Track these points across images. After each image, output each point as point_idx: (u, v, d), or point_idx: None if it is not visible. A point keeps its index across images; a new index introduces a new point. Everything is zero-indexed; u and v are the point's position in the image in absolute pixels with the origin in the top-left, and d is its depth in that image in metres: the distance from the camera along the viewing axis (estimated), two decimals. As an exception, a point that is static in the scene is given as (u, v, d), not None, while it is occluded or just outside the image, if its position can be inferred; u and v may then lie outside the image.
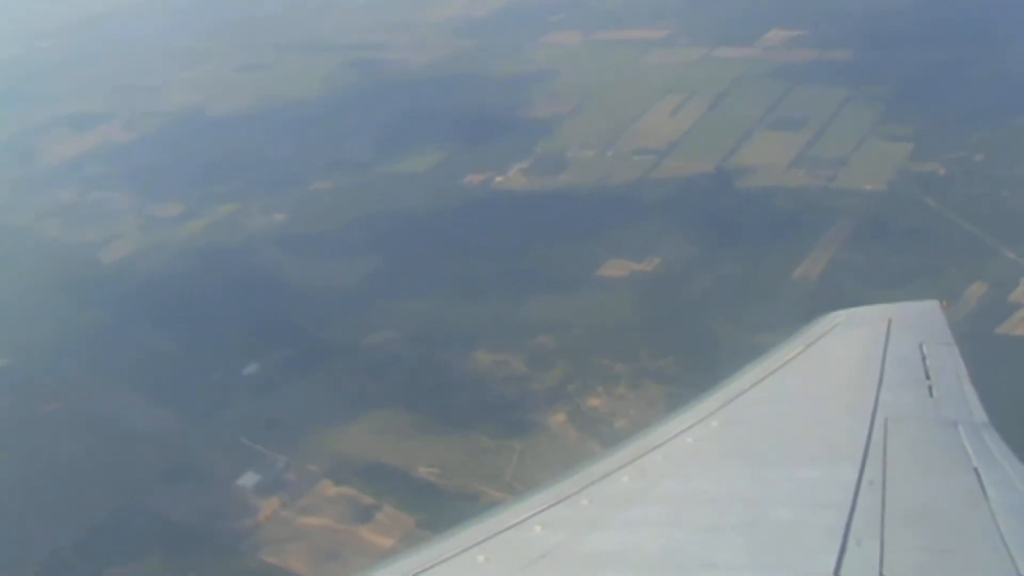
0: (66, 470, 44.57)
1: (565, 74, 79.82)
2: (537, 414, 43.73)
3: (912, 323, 15.39)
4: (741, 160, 61.95)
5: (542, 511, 8.93)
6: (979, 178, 55.55)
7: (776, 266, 51.18)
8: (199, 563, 38.70)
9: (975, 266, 48.41)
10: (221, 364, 50.86)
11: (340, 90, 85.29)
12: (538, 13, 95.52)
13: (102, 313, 57.03)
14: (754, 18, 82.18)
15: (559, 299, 51.06)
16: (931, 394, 12.10)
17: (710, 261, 52.58)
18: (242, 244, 62.55)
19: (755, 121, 66.21)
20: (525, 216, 60.19)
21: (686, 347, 45.98)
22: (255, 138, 78.15)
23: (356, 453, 43.04)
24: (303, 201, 66.87)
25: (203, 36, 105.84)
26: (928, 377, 12.63)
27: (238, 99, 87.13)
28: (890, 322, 15.01)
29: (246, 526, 40.33)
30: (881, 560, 6.79)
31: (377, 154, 71.93)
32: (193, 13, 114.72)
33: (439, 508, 38.14)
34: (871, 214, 54.11)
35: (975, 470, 9.26)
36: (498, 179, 65.42)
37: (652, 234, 55.30)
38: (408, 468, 41.54)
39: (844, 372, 13.90)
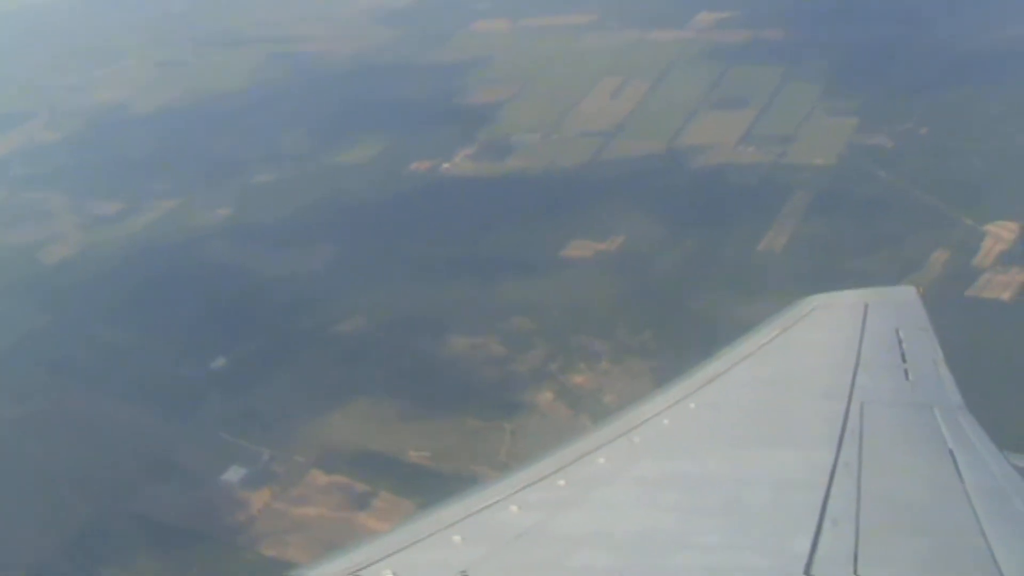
0: (38, 475, 43.37)
1: (499, 61, 79.71)
2: (523, 394, 43.84)
3: (888, 308, 15.70)
4: (689, 139, 62.65)
5: (518, 491, 8.94)
6: (927, 149, 57.13)
7: (740, 240, 51.99)
8: (196, 561, 37.90)
9: (935, 234, 49.79)
10: (187, 360, 49.89)
11: (267, 83, 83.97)
12: (461, 1, 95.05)
13: (51, 315, 55.41)
14: (682, 1, 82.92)
15: (526, 281, 51.13)
16: (907, 377, 12.38)
17: (673, 238, 53.16)
18: (190, 239, 61.24)
19: (698, 101, 67.00)
20: (478, 201, 60.11)
21: (663, 321, 46.54)
22: (187, 134, 76.71)
23: (343, 442, 42.61)
24: (247, 194, 65.75)
25: (115, 33, 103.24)
26: (904, 361, 12.93)
27: (162, 95, 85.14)
28: (866, 306, 15.28)
29: (239, 521, 39.65)
30: (856, 541, 6.89)
31: (317, 145, 71.10)
32: (101, 11, 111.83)
33: (436, 491, 37.76)
34: (826, 187, 55.24)
35: (950, 452, 9.44)
36: (445, 166, 65.20)
37: (611, 214, 55.62)
38: (399, 454, 41.30)
39: (821, 356, 14.10)
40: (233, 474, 42.07)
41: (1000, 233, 49.16)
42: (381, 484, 39.79)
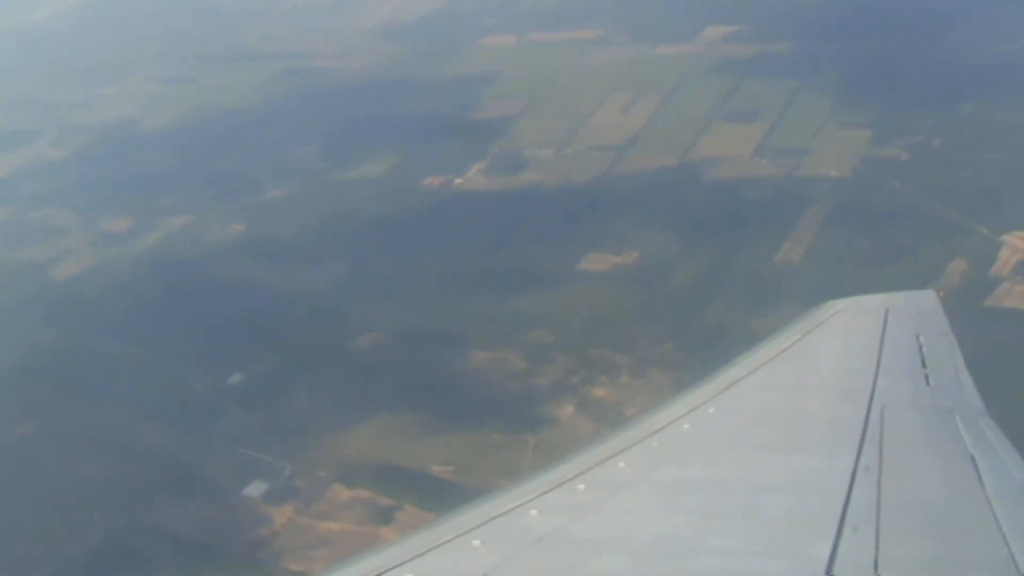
0: (56, 491, 42.94)
1: (508, 76, 79.67)
2: (545, 408, 43.78)
3: (909, 312, 15.69)
4: (702, 153, 62.70)
5: (538, 496, 8.89)
6: (941, 161, 57.29)
7: (756, 252, 52.03)
8: (219, 576, 37.71)
9: (952, 244, 49.94)
10: (204, 375, 49.72)
11: (276, 99, 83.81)
12: (467, 18, 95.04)
13: (64, 331, 55.16)
14: (689, 15, 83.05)
15: (544, 295, 51.10)
16: (928, 383, 12.33)
17: (690, 251, 53.19)
18: (204, 255, 61.13)
19: (709, 115, 67.05)
20: (492, 215, 60.07)
21: (683, 334, 46.50)
22: (197, 150, 76.44)
23: (364, 456, 42.51)
24: (260, 210, 65.65)
25: (121, 51, 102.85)
26: (925, 366, 12.87)
27: (170, 112, 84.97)
28: (887, 311, 15.28)
29: (262, 535, 39.51)
30: (877, 547, 6.85)
31: (328, 161, 71.03)
32: (105, 28, 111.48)
33: (461, 505, 37.75)
34: (842, 199, 55.38)
35: (971, 458, 9.39)
36: (458, 180, 65.14)
37: (627, 227, 55.63)
38: (421, 468, 41.24)
39: (841, 360, 14.15)
40: (255, 489, 41.90)
41: (1017, 243, 49.32)
42: (405, 498, 39.65)
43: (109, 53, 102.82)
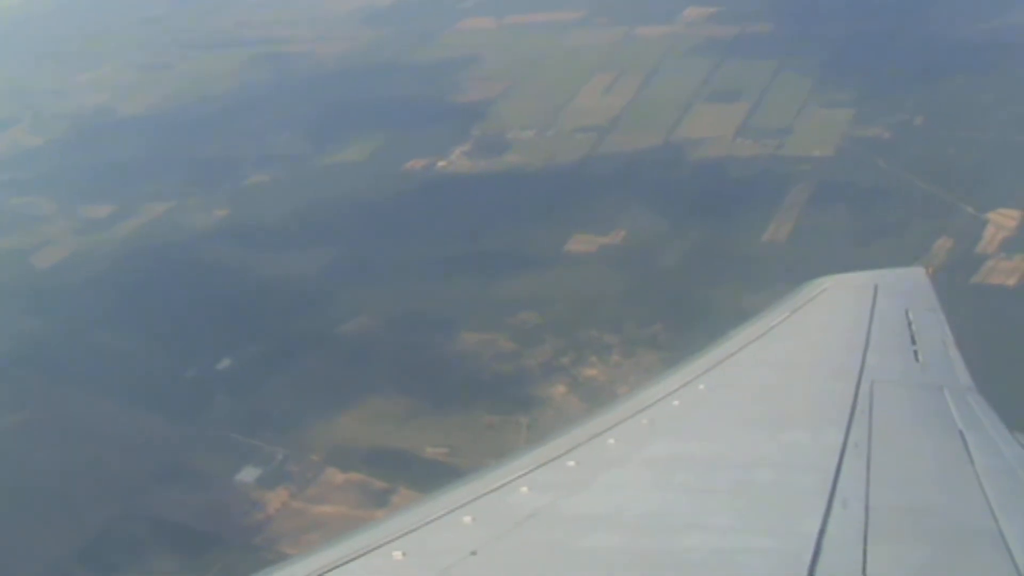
0: (47, 481, 42.53)
1: (487, 58, 79.49)
2: (536, 388, 43.83)
3: (898, 289, 16.00)
4: (686, 133, 62.76)
5: (528, 472, 8.95)
6: (924, 139, 57.52)
7: (743, 231, 52.12)
8: (215, 562, 37.46)
9: (938, 222, 50.22)
10: (191, 362, 49.53)
11: (254, 85, 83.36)
12: (445, 1, 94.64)
13: (48, 320, 54.84)
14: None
15: (531, 276, 51.10)
16: (917, 358, 12.48)
17: (676, 230, 53.26)
18: (187, 241, 60.79)
19: (691, 95, 67.10)
20: (477, 198, 59.97)
21: (672, 313, 46.56)
22: (176, 136, 75.90)
23: (357, 440, 42.42)
24: (242, 195, 65.36)
25: (95, 37, 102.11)
26: (914, 342, 13.04)
27: (148, 98, 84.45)
28: (876, 288, 15.54)
29: (257, 520, 39.36)
30: (866, 522, 6.87)
31: (309, 146, 70.72)
32: (79, 15, 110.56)
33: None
34: (826, 178, 55.55)
35: (960, 433, 9.50)
36: (441, 163, 64.98)
37: (612, 208, 55.67)
38: (415, 450, 41.14)
39: (831, 337, 14.33)
40: (247, 474, 41.76)
41: (1002, 221, 49.61)
42: (399, 481, 39.55)
43: (84, 40, 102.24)
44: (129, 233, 63.15)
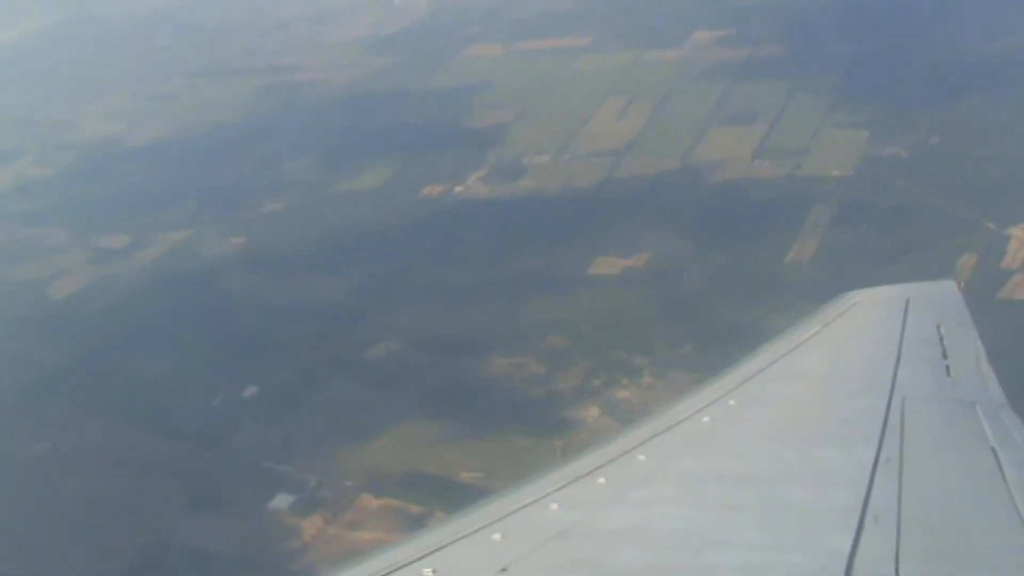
0: (76, 510, 42.17)
1: (498, 84, 79.73)
2: (569, 411, 43.70)
3: (930, 303, 15.92)
4: (702, 156, 62.95)
5: (559, 489, 8.99)
6: (941, 158, 57.84)
7: (766, 253, 52.23)
8: (252, 590, 37.22)
9: (961, 239, 50.36)
10: (216, 390, 49.17)
11: (264, 113, 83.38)
12: (450, 28, 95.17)
13: (68, 351, 54.29)
14: (676, 21, 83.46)
15: (557, 299, 51.07)
16: (949, 374, 12.41)
17: (699, 252, 53.30)
18: (206, 269, 60.64)
19: (706, 118, 67.35)
20: (496, 222, 59.97)
21: (700, 335, 46.44)
22: (187, 165, 75.79)
23: (390, 466, 42.15)
24: (259, 223, 65.21)
25: (100, 69, 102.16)
26: (946, 357, 12.97)
27: (157, 128, 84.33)
28: (908, 302, 15.51)
29: (293, 548, 39.04)
30: (898, 540, 6.84)
31: (323, 173, 70.70)
32: (82, 47, 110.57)
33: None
34: (846, 198, 55.77)
35: (992, 450, 9.41)
36: (458, 189, 65.03)
37: (633, 231, 55.68)
38: (449, 475, 40.93)
39: (862, 351, 14.29)
40: (281, 501, 41.45)
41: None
42: (435, 505, 39.20)
43: (88, 71, 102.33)
44: (146, 263, 62.92)
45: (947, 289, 18.02)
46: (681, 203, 57.90)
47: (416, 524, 38.60)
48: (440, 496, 39.58)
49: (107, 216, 69.83)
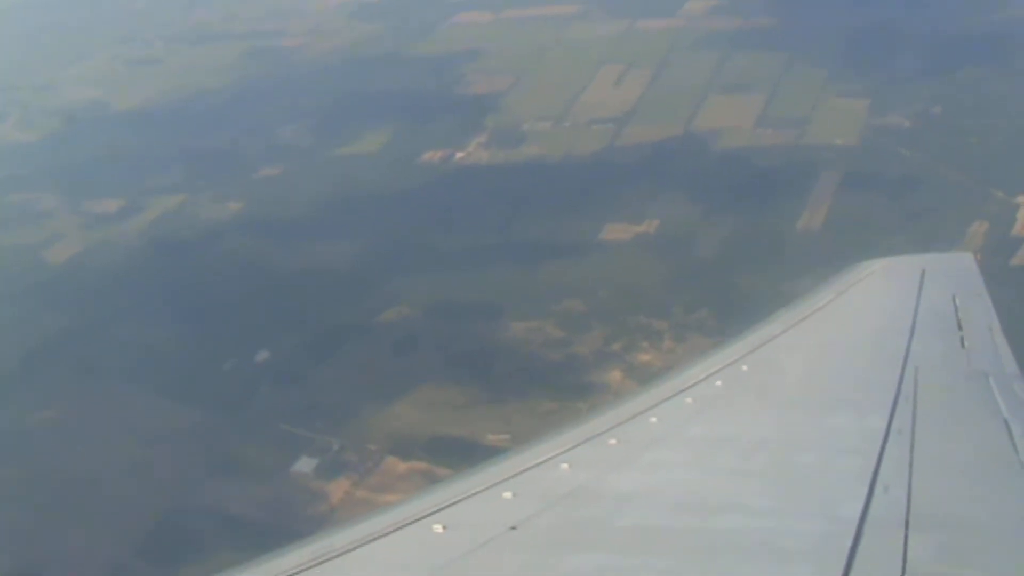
0: (96, 479, 41.49)
1: (490, 51, 79.03)
2: (591, 375, 43.76)
3: (945, 274, 16.17)
4: (704, 124, 62.90)
5: (570, 449, 9.07)
6: (944, 128, 58.20)
7: (777, 219, 52.43)
8: (286, 553, 36.75)
9: (969, 207, 50.78)
10: (227, 354, 48.72)
11: (249, 79, 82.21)
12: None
13: (71, 316, 53.57)
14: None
15: (570, 265, 51.05)
16: (963, 345, 12.54)
17: (710, 219, 53.40)
18: (204, 234, 59.85)
19: (704, 87, 67.21)
20: (500, 189, 59.70)
21: (718, 300, 46.68)
22: (176, 130, 74.59)
23: (414, 429, 41.96)
24: (255, 188, 64.46)
25: (78, 32, 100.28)
26: (960, 328, 13.12)
27: (141, 93, 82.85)
28: (923, 272, 15.75)
29: (320, 511, 38.82)
30: (908, 508, 6.85)
31: (318, 138, 69.97)
32: (59, 11, 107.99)
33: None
34: (852, 166, 55.96)
35: (1005, 421, 9.45)
36: (459, 155, 64.60)
37: (642, 198, 55.71)
38: (476, 438, 40.73)
39: (876, 320, 14.60)
40: (304, 465, 41.23)
41: (1032, 205, 50.24)
42: (463, 468, 38.98)
43: (65, 35, 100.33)
44: (142, 227, 62.08)
45: (964, 260, 18.16)
46: (687, 170, 57.82)
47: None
48: (468, 458, 39.15)
49: (97, 181, 68.56)
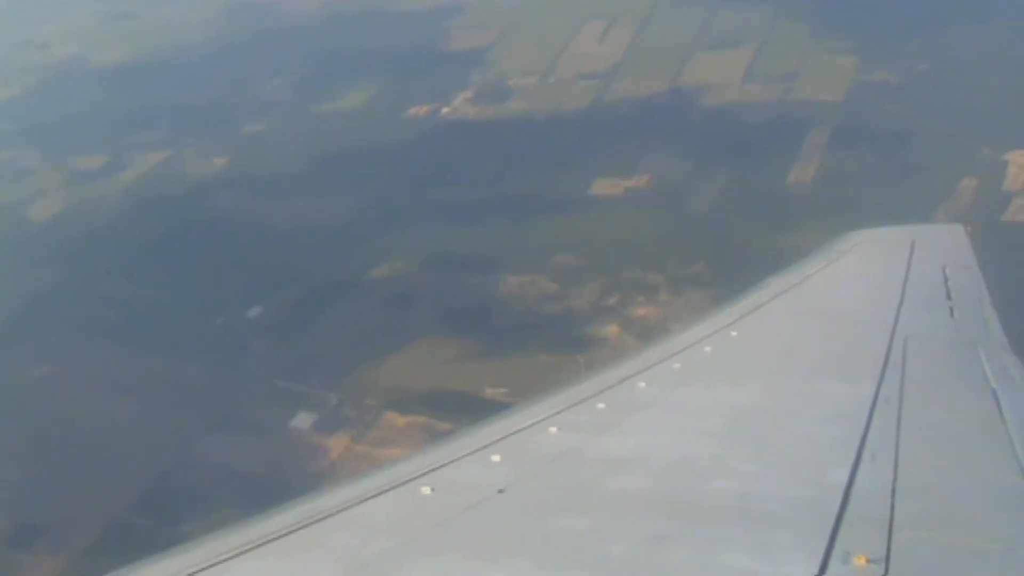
0: (90, 436, 41.18)
1: (473, 6, 78.20)
2: (588, 328, 43.92)
3: (936, 245, 16.40)
4: (691, 79, 62.79)
5: (558, 413, 9.19)
6: (931, 84, 58.35)
7: (768, 174, 52.62)
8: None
9: (959, 163, 51.16)
10: (218, 310, 48.56)
11: (232, 35, 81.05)
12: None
13: (59, 272, 52.95)
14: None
15: (561, 219, 51.04)
16: (952, 315, 12.78)
17: (701, 174, 53.49)
18: (190, 190, 59.42)
19: (689, 43, 66.93)
20: (489, 144, 59.50)
21: (712, 253, 46.89)
22: (157, 86, 73.58)
23: (411, 383, 42.01)
24: (241, 143, 63.98)
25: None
26: (950, 298, 13.38)
27: (120, 49, 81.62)
28: (913, 243, 15.97)
29: (321, 466, 38.88)
30: (895, 475, 6.97)
31: (302, 94, 69.37)
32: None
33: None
34: (840, 122, 56.07)
35: (993, 391, 9.63)
36: (444, 110, 64.32)
37: (631, 152, 55.68)
38: (474, 391, 40.77)
39: (865, 290, 14.75)
40: (302, 420, 41.20)
41: (1021, 161, 50.50)
42: (464, 421, 38.88)
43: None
44: (127, 183, 61.50)
45: (954, 232, 18.26)
46: (676, 125, 57.80)
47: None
48: (468, 412, 39.09)
49: (79, 137, 67.78)
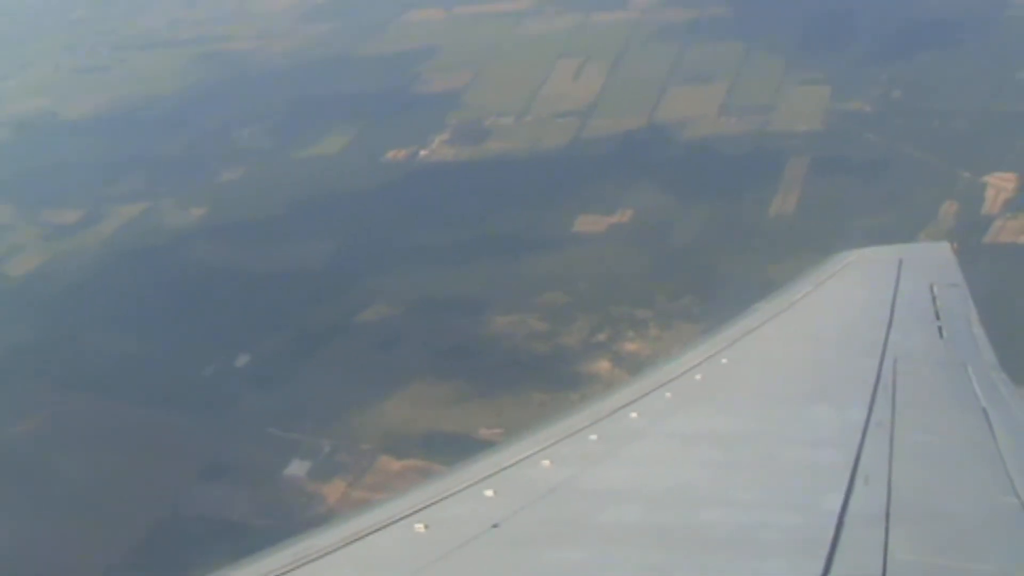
0: (82, 490, 40.39)
1: (445, 49, 78.59)
2: (580, 365, 43.79)
3: (923, 264, 16.41)
4: (667, 114, 63.13)
5: (550, 446, 9.06)
6: (906, 112, 58.93)
7: (749, 206, 52.88)
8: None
9: (938, 188, 51.56)
10: (207, 360, 48.08)
11: (202, 84, 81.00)
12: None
13: (39, 328, 52.35)
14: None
15: (546, 258, 51.05)
16: (941, 335, 12.67)
17: (682, 207, 53.66)
18: (170, 241, 58.97)
19: (663, 78, 67.40)
20: (468, 185, 59.55)
21: (698, 287, 46.82)
22: (130, 137, 73.34)
23: (405, 427, 41.74)
24: (218, 192, 63.63)
25: (18, 43, 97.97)
26: (938, 318, 13.28)
27: (91, 101, 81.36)
28: (901, 262, 15.93)
29: (317, 512, 38.23)
30: (888, 499, 6.95)
31: (278, 141, 69.22)
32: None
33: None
34: (819, 152, 56.45)
35: (983, 411, 9.58)
36: (422, 152, 64.33)
37: (612, 189, 55.83)
38: (469, 432, 40.47)
39: (854, 311, 14.68)
40: (297, 468, 40.77)
41: (999, 184, 51.17)
42: (459, 463, 38.85)
43: (5, 46, 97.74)
44: (105, 237, 60.95)
45: (941, 250, 18.36)
46: (655, 160, 57.99)
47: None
48: (463, 453, 38.67)
49: (53, 191, 67.24)
